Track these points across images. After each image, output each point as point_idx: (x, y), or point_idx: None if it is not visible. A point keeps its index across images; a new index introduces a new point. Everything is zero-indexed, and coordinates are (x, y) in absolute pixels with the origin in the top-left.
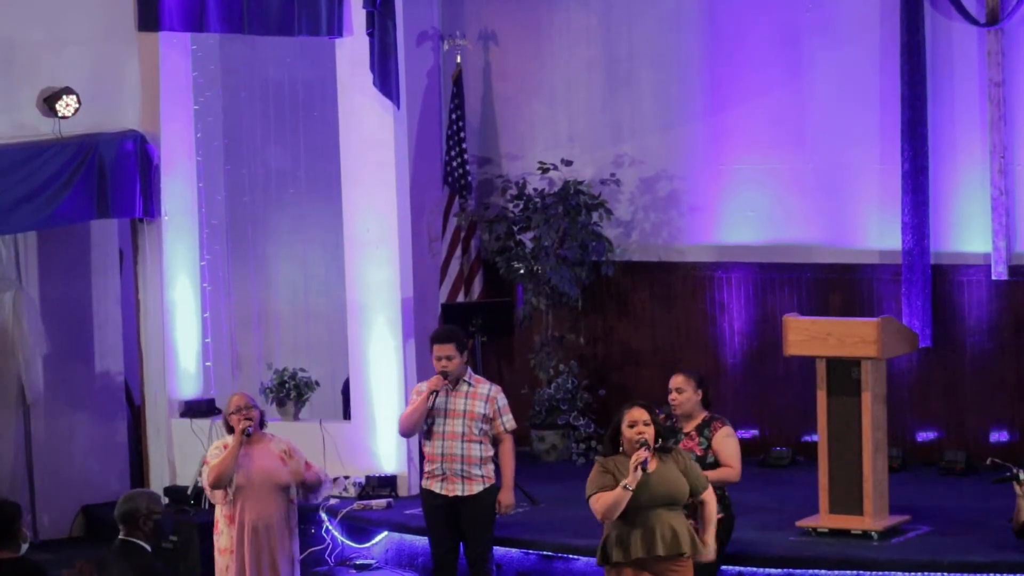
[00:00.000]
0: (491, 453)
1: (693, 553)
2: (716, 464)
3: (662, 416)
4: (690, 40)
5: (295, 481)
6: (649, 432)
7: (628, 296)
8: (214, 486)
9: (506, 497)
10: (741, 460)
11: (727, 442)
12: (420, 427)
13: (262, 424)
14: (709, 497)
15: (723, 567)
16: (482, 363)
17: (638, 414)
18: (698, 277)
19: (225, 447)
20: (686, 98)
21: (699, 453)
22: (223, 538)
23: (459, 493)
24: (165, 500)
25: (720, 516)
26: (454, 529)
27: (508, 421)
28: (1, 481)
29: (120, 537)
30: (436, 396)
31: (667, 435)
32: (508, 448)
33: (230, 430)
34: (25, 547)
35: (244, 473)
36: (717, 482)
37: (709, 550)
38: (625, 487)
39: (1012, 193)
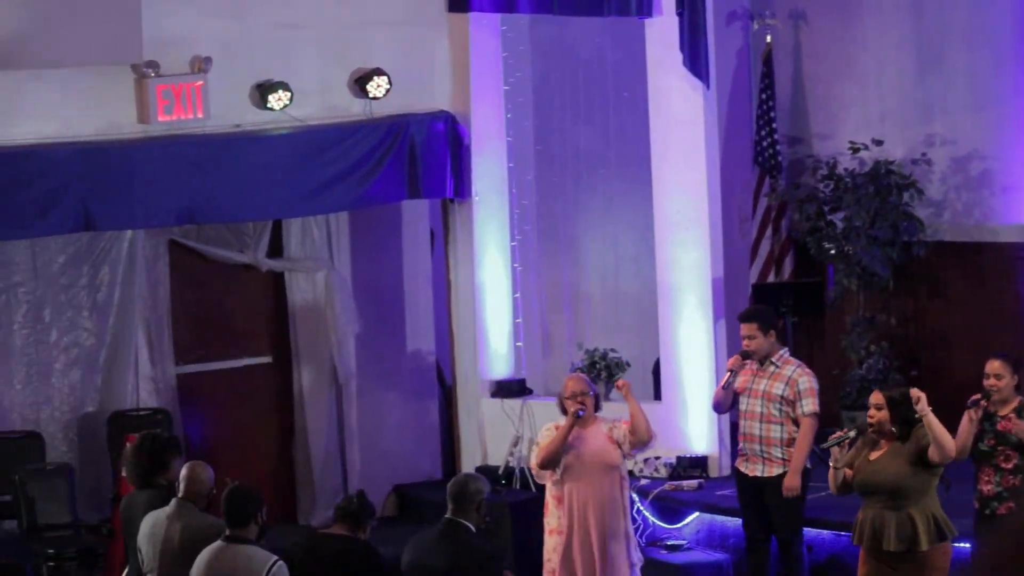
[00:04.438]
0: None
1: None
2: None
3: (982, 400)
4: (1003, 18)
5: (627, 441)
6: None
7: (939, 277)
8: (542, 466)
9: (789, 480)
10: None
11: None
12: (728, 404)
13: (597, 407)
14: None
15: None
16: (792, 343)
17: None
18: (1011, 258)
19: (556, 428)
20: (999, 77)
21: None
22: (552, 518)
23: (758, 474)
24: None
25: None
26: (762, 510)
27: (807, 404)
28: (314, 461)
29: (447, 516)
30: (732, 376)
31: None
32: (801, 432)
33: (564, 411)
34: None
35: (575, 454)
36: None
37: None
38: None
39: None
